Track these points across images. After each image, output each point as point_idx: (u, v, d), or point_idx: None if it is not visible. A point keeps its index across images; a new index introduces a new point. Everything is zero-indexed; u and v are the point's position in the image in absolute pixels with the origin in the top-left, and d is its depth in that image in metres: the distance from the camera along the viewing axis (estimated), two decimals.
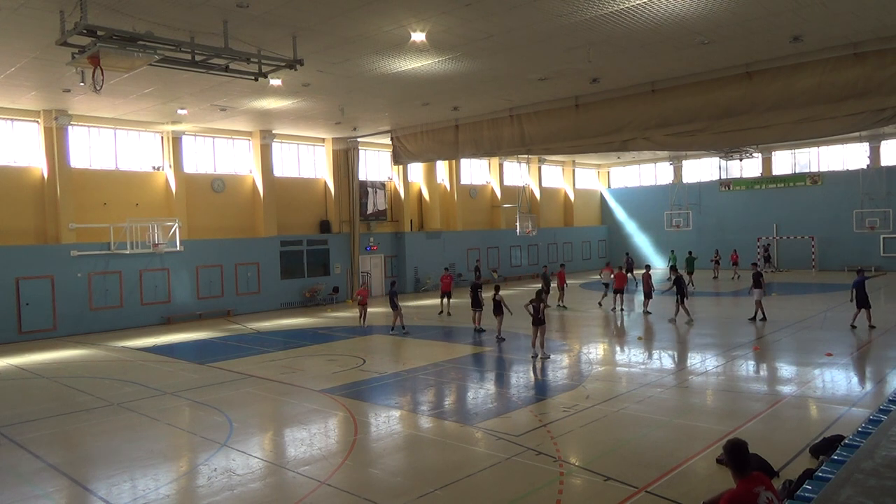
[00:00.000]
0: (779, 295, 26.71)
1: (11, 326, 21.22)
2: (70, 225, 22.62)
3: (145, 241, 23.40)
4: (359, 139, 30.31)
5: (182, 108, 22.04)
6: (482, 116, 23.49)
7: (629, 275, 29.57)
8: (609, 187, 48.52)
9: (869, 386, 12.35)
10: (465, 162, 37.45)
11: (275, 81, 17.33)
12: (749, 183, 40.73)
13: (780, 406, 10.85)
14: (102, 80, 11.84)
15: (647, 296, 22.76)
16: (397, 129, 26.75)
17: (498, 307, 17.94)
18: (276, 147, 29.04)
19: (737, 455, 4.57)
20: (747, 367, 14.35)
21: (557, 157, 42.31)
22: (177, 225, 24.20)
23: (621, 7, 13.04)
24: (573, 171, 45.56)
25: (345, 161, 30.78)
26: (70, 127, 22.87)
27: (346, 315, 25.11)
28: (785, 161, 39.93)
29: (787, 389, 11.98)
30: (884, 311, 21.08)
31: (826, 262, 37.23)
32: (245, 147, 28.39)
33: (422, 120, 24.88)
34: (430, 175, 35.08)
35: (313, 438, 10.08)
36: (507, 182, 40.33)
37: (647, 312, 22.48)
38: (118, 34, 11.50)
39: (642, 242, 45.79)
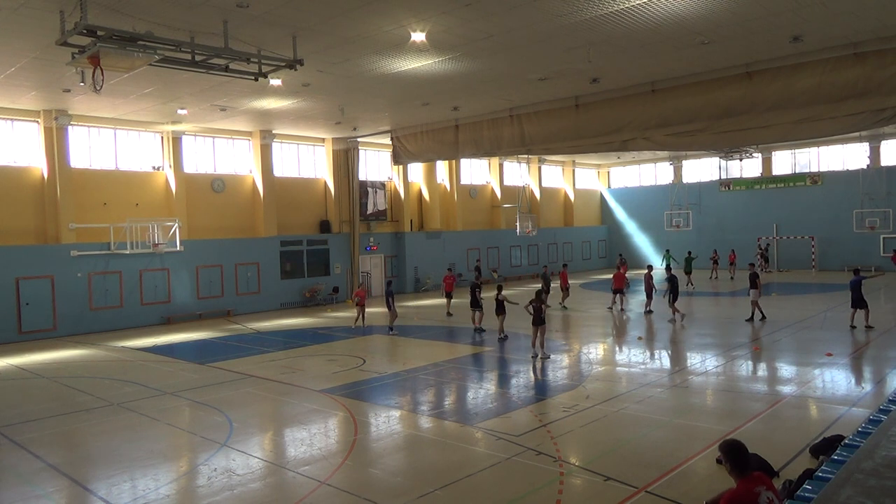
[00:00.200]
0: (779, 295, 26.72)
1: (11, 326, 21.22)
2: (70, 225, 22.63)
3: (145, 241, 23.40)
4: (359, 139, 30.31)
5: (182, 108, 22.04)
6: (482, 116, 23.49)
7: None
8: (609, 187, 48.53)
9: (869, 386, 12.34)
10: (465, 162, 37.45)
11: (275, 81, 17.33)
12: (749, 183, 40.74)
13: (780, 406, 10.85)
14: (102, 80, 11.84)
15: (649, 296, 22.76)
16: (397, 129, 26.75)
17: (500, 307, 17.95)
18: (276, 147, 29.05)
19: (737, 455, 4.58)
20: (747, 367, 14.36)
21: (557, 157, 42.31)
22: (177, 225, 24.20)
23: (621, 7, 13.04)
24: (573, 171, 45.56)
25: (345, 161, 30.78)
26: (70, 127, 22.88)
27: (347, 315, 25.09)
28: (785, 161, 39.93)
29: (787, 389, 11.98)
30: (883, 311, 21.10)
31: (826, 262, 37.24)
32: (245, 147, 28.40)
33: (422, 120, 24.88)
34: (430, 175, 35.09)
35: (313, 438, 10.08)
36: (507, 182, 40.33)
37: (647, 312, 22.49)
38: (118, 34, 11.50)
39: (642, 242, 45.80)
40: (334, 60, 16.29)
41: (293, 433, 10.43)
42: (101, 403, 12.64)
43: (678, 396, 11.90)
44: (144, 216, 24.27)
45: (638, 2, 12.78)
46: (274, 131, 27.98)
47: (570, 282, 26.23)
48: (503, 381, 13.86)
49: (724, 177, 42.02)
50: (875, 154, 36.13)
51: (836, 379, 12.86)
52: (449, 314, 23.66)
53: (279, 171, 29.26)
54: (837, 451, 6.08)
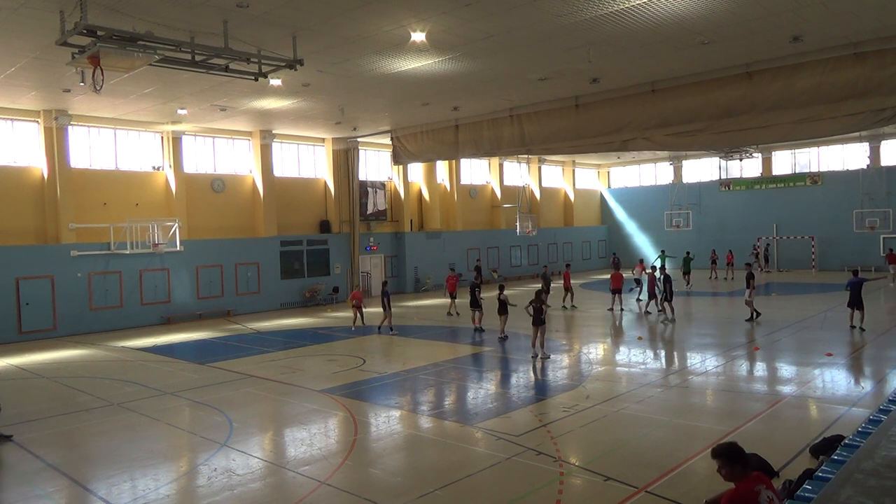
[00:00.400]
0: (778, 295, 26.71)
1: (11, 326, 21.22)
2: (70, 225, 22.62)
3: (145, 241, 23.40)
4: (359, 139, 30.31)
5: (182, 108, 22.04)
6: (482, 116, 23.49)
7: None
8: (609, 187, 48.53)
9: (869, 386, 12.34)
10: (465, 162, 37.45)
11: (275, 81, 17.33)
12: (749, 183, 40.74)
13: (780, 406, 10.85)
14: (102, 80, 11.84)
15: (651, 296, 22.75)
16: (397, 129, 26.75)
17: (503, 306, 17.96)
18: (276, 147, 29.04)
19: (734, 456, 4.59)
20: (747, 367, 14.36)
21: (557, 157, 42.32)
22: (177, 225, 24.20)
23: (621, 7, 13.04)
24: (573, 171, 45.57)
25: (345, 161, 30.78)
26: (70, 127, 22.87)
27: (347, 315, 25.04)
28: (785, 161, 39.93)
29: (787, 389, 11.98)
30: (883, 311, 21.09)
31: (826, 262, 37.24)
32: (245, 147, 28.39)
33: (422, 120, 24.88)
34: (430, 175, 35.08)
35: (313, 438, 10.08)
36: (507, 182, 40.33)
37: (648, 313, 22.49)
38: (118, 34, 11.50)
39: (642, 242, 45.79)
40: (334, 60, 16.29)
41: (293, 433, 10.43)
42: (101, 403, 12.65)
43: (678, 396, 11.90)
44: (144, 216, 24.27)
45: (638, 2, 12.78)
46: (274, 131, 27.98)
47: (571, 282, 26.18)
48: (503, 381, 13.86)
49: (724, 177, 42.03)
50: (875, 154, 36.13)
51: (836, 379, 12.86)
52: (449, 314, 23.65)
53: (279, 171, 29.26)
54: (837, 451, 6.08)
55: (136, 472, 8.76)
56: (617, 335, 19.18)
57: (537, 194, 41.67)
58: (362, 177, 31.89)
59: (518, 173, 40.89)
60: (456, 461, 8.74)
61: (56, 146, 22.36)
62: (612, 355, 16.15)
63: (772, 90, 16.97)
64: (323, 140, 30.72)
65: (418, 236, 34.41)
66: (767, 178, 40.09)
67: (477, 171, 39.22)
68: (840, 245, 36.72)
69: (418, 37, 14.31)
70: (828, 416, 10.11)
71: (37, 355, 18.52)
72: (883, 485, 4.57)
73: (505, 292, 18.35)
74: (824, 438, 8.36)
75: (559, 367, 14.68)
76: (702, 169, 43.12)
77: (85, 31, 11.21)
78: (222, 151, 27.83)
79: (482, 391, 12.93)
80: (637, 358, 15.59)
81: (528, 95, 20.91)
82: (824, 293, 26.96)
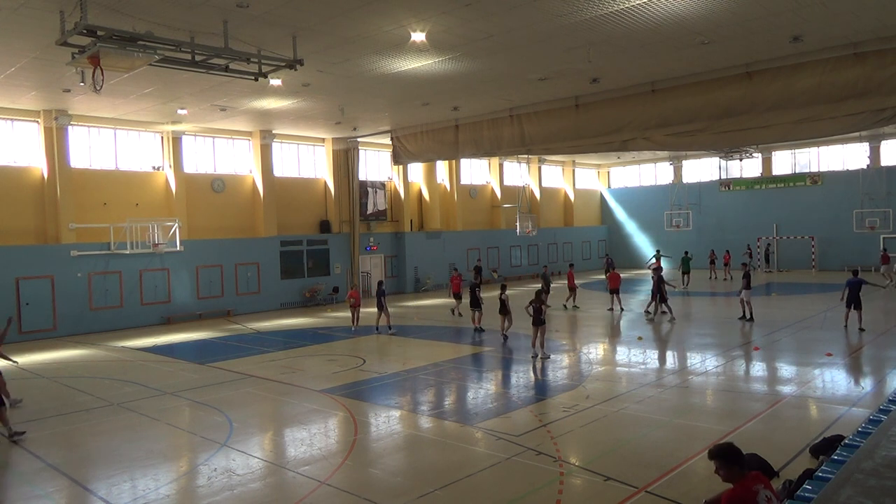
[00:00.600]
0: (778, 295, 26.71)
1: (12, 326, 21.14)
2: (70, 225, 22.62)
3: (145, 241, 23.40)
4: (359, 139, 30.31)
5: (182, 108, 22.04)
6: (482, 116, 23.48)
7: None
8: (609, 187, 48.53)
9: (869, 386, 12.34)
10: (465, 162, 37.45)
11: (275, 81, 17.33)
12: (749, 183, 40.74)
13: (780, 406, 10.85)
14: (102, 80, 11.84)
15: (653, 296, 22.68)
16: (397, 129, 26.75)
17: (504, 306, 17.96)
18: (276, 147, 29.04)
19: (731, 456, 4.60)
20: (747, 367, 14.36)
21: (557, 157, 42.31)
22: (177, 225, 24.20)
23: (621, 7, 13.04)
24: (573, 171, 45.56)
25: (345, 161, 30.78)
26: (70, 127, 22.87)
27: (347, 315, 25.02)
28: (785, 161, 39.93)
29: (787, 389, 11.98)
30: (883, 311, 21.09)
31: (826, 262, 37.24)
32: (245, 147, 28.39)
33: (422, 120, 24.88)
34: (430, 175, 35.08)
35: (313, 438, 10.08)
36: (507, 182, 40.32)
37: (647, 312, 22.46)
38: (118, 34, 11.50)
39: (642, 242, 45.79)
40: (334, 60, 16.29)
41: (293, 433, 10.43)
42: (101, 403, 12.65)
43: (678, 396, 11.90)
44: (144, 216, 24.26)
45: (638, 2, 12.78)
46: (274, 131, 27.98)
47: (575, 281, 26.12)
48: (503, 381, 13.86)
49: (724, 177, 42.02)
50: (875, 154, 36.13)
51: (836, 379, 12.87)
52: (453, 312, 23.63)
53: (279, 171, 29.26)
54: (837, 451, 6.08)
55: (136, 472, 8.77)
56: (617, 335, 19.18)
57: (537, 194, 41.67)
58: (362, 177, 31.88)
59: (518, 173, 40.89)
60: (456, 461, 8.74)
61: (56, 146, 22.36)
62: (611, 355, 16.15)
63: (772, 90, 16.97)
64: (323, 140, 30.71)
65: (418, 236, 34.41)
66: (767, 178, 40.09)
67: (477, 171, 39.22)
68: (840, 245, 36.72)
69: (418, 37, 14.31)
70: (828, 416, 10.11)
71: (37, 355, 18.52)
72: (883, 485, 4.56)
73: (507, 292, 18.33)
74: (824, 438, 8.36)
75: (559, 367, 14.68)
76: (702, 169, 43.12)
77: (85, 31, 11.20)
78: (222, 151, 27.83)
79: (482, 391, 12.93)
80: (637, 358, 15.58)
81: (528, 95, 20.91)
82: (824, 293, 26.95)
